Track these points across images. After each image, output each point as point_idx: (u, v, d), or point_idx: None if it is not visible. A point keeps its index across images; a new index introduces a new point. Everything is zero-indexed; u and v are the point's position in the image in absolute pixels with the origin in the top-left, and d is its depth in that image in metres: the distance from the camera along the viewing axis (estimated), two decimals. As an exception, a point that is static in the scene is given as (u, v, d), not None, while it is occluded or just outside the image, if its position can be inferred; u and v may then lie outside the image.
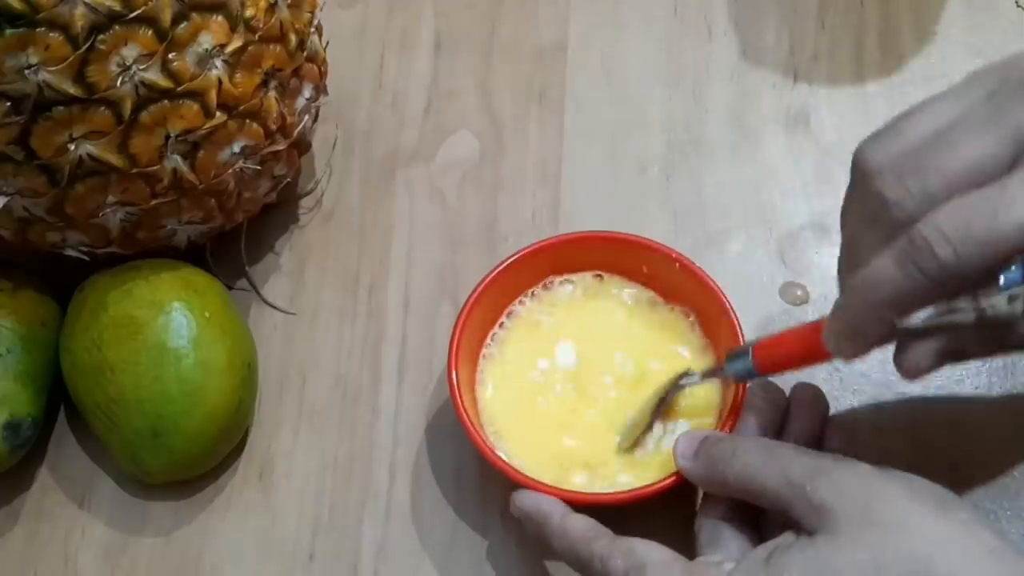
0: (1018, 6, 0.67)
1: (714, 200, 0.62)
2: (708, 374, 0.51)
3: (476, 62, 0.68)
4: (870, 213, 0.42)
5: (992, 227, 0.38)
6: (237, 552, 0.54)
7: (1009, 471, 0.53)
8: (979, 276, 0.39)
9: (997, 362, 0.56)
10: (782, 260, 0.60)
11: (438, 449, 0.56)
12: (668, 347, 0.54)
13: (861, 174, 0.42)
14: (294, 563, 0.54)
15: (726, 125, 0.65)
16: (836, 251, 0.46)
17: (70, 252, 0.55)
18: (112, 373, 0.52)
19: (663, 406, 0.52)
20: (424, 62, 0.68)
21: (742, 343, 0.51)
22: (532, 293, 0.56)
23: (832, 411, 0.54)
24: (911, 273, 0.39)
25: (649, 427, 0.52)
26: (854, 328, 0.43)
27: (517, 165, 0.64)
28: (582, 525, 0.47)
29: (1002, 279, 0.40)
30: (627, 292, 0.56)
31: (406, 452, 0.56)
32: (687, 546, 0.47)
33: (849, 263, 0.45)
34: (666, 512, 0.50)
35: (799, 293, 0.59)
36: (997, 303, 0.40)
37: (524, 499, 0.48)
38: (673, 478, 0.48)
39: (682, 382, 0.52)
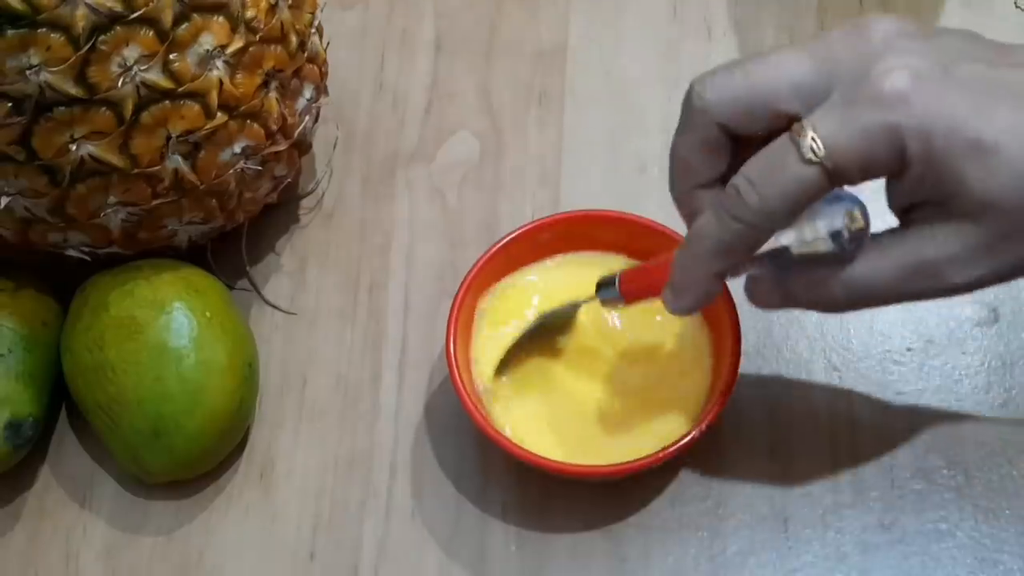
0: (1017, 7, 0.67)
1: (714, 200, 0.62)
2: (576, 305, 0.53)
3: (476, 62, 0.68)
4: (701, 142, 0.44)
5: (791, 170, 0.40)
6: (238, 551, 0.54)
7: (1009, 471, 0.53)
8: (790, 217, 0.41)
9: (996, 362, 0.56)
10: (781, 260, 0.60)
11: (439, 448, 0.56)
12: (665, 325, 0.55)
13: (695, 111, 0.44)
14: (295, 562, 0.54)
15: (726, 125, 0.65)
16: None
17: (71, 252, 0.55)
18: (113, 373, 0.52)
19: (535, 333, 0.53)
20: (424, 62, 0.68)
21: (739, 345, 0.51)
22: (528, 269, 0.56)
23: (830, 410, 0.55)
24: (726, 222, 0.42)
25: (516, 354, 0.53)
26: (686, 282, 0.45)
27: (517, 165, 0.64)
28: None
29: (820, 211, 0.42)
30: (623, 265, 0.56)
31: (406, 451, 0.56)
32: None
33: (681, 185, 0.46)
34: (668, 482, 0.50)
35: (798, 293, 0.59)
36: (813, 237, 0.42)
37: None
38: (670, 450, 0.49)
39: (564, 311, 0.53)
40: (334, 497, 0.55)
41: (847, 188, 0.42)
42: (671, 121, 0.65)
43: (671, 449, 0.49)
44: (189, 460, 0.53)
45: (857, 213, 0.42)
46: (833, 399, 0.55)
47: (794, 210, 0.41)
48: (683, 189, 0.46)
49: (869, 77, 0.40)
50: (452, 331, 0.52)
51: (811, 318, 0.57)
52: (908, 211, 0.42)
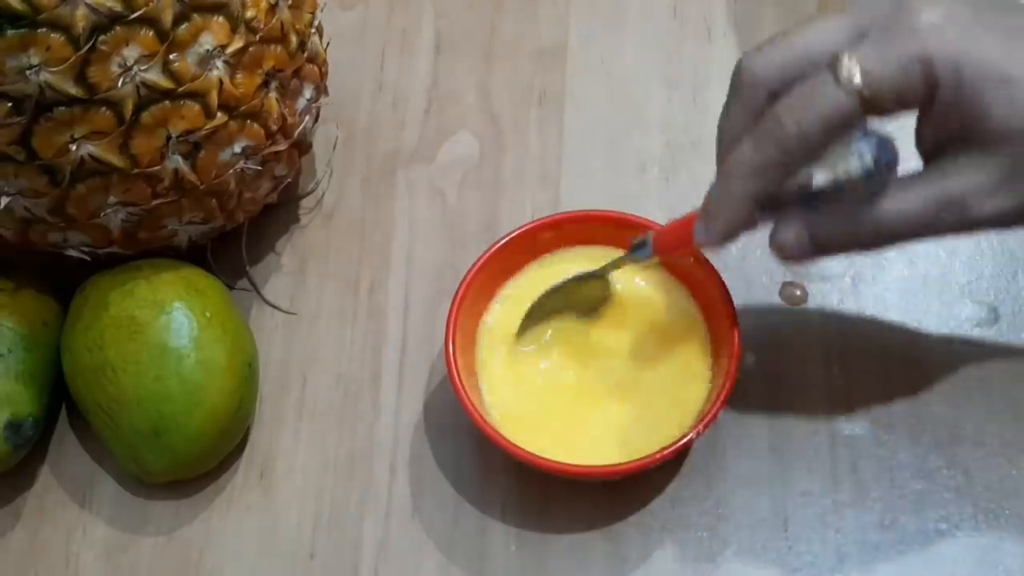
0: (1017, 6, 0.67)
1: (714, 200, 0.62)
2: (612, 265, 0.54)
3: (476, 62, 0.68)
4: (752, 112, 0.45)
5: (828, 96, 0.41)
6: (238, 551, 0.54)
7: (1009, 471, 0.53)
8: (825, 143, 0.43)
9: (996, 361, 0.56)
10: (781, 260, 0.60)
11: (438, 447, 0.56)
12: (665, 324, 0.55)
13: (744, 82, 0.45)
14: (295, 562, 0.54)
15: (726, 125, 0.65)
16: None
17: (71, 252, 0.55)
18: (113, 373, 0.52)
19: (549, 301, 0.54)
20: (424, 62, 0.68)
21: (739, 344, 0.51)
22: (528, 270, 0.56)
23: (830, 411, 0.55)
24: (764, 146, 0.43)
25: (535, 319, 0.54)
26: (721, 205, 0.46)
27: (517, 165, 0.64)
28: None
29: (852, 146, 0.43)
30: (624, 269, 0.56)
31: (406, 450, 0.56)
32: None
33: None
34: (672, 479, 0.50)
35: (798, 293, 0.59)
36: (845, 168, 0.43)
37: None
38: (669, 450, 0.49)
39: (582, 275, 0.54)
40: (334, 497, 0.55)
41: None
42: (671, 121, 0.66)
43: (671, 449, 0.49)
44: (189, 460, 0.53)
45: (886, 145, 0.43)
46: (833, 399, 0.55)
47: (829, 136, 0.42)
48: None
49: (904, 12, 0.42)
50: (452, 330, 0.52)
51: (812, 317, 0.57)
52: (933, 154, 0.44)
